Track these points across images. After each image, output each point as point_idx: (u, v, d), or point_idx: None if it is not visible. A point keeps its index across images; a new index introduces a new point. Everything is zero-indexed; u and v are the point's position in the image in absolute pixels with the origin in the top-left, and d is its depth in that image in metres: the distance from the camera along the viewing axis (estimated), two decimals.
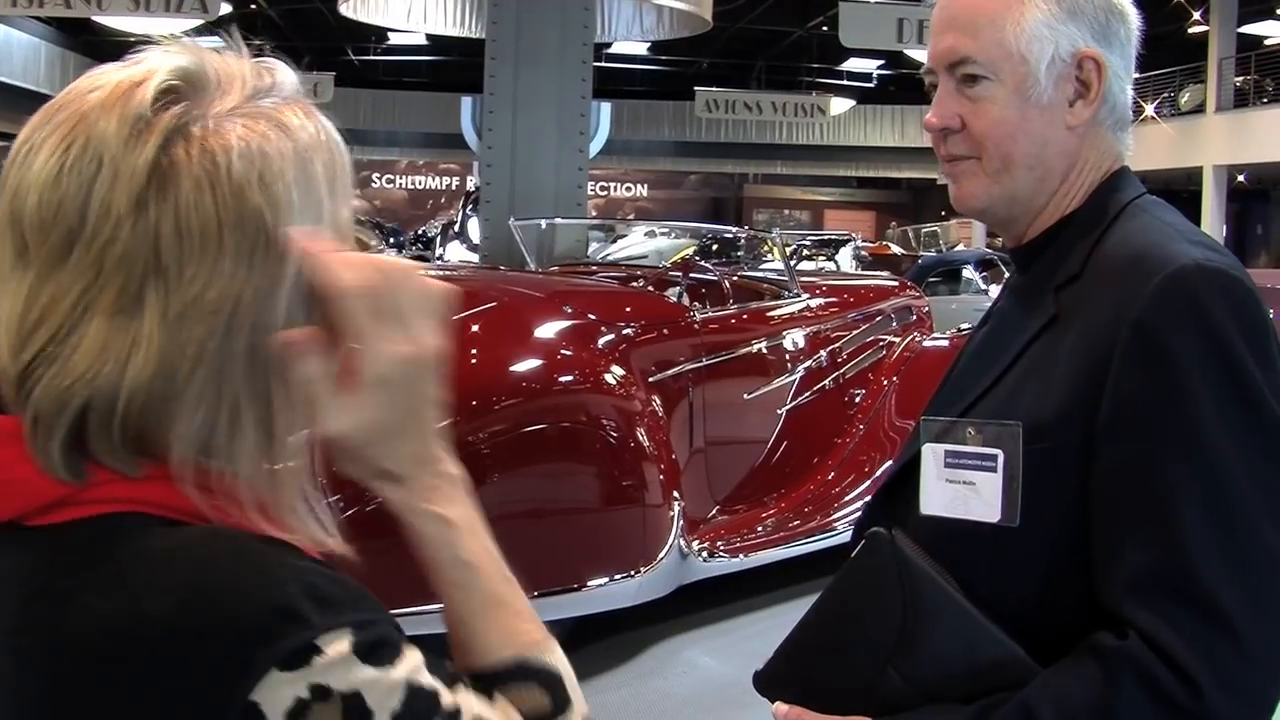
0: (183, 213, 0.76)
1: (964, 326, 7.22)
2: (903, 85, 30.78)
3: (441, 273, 7.45)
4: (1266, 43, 24.44)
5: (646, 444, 4.47)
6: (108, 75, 0.81)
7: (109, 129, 0.77)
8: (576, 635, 4.36)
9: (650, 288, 6.08)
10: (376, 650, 0.74)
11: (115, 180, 0.76)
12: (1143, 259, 1.20)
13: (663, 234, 15.23)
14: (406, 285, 0.83)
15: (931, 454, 1.26)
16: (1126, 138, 1.34)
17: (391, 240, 17.76)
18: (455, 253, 14.72)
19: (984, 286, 13.77)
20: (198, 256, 0.77)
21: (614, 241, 13.96)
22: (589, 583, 4.12)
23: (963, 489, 1.23)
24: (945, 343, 6.51)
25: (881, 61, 28.70)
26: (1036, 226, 1.33)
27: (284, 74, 0.86)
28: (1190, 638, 1.10)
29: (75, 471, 0.77)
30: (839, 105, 28.63)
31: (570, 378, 4.47)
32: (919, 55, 16.51)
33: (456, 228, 14.17)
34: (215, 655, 0.71)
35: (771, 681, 1.31)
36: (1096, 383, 1.17)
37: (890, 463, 5.72)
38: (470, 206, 14.39)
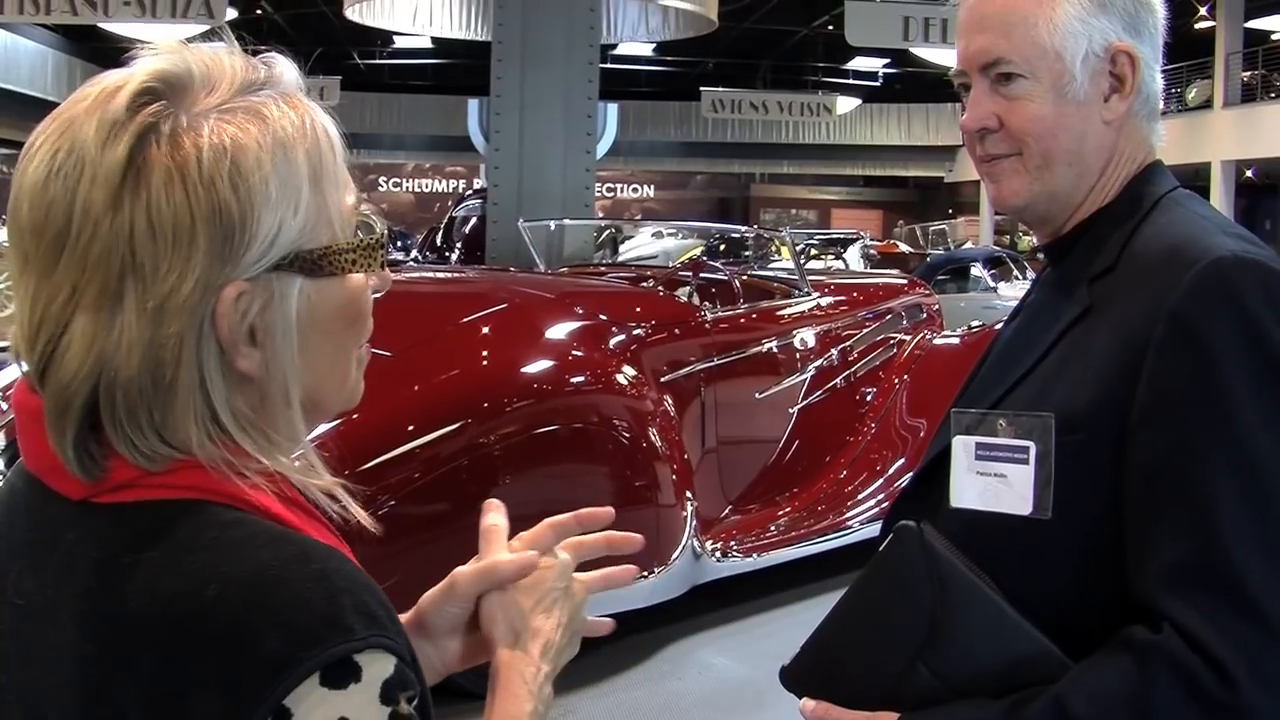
0: (154, 208, 0.79)
1: (975, 324, 7.20)
2: (909, 84, 30.71)
3: (451, 274, 7.45)
4: (1273, 38, 24.39)
5: (659, 444, 4.46)
6: (99, 82, 0.84)
7: (89, 133, 0.80)
8: (590, 636, 4.35)
9: (661, 288, 6.07)
10: (402, 688, 0.79)
11: (94, 181, 0.79)
12: (1179, 251, 1.19)
13: (670, 234, 15.23)
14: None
15: (962, 446, 1.25)
16: (1158, 128, 1.34)
17: (398, 244, 17.64)
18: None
19: (992, 284, 13.75)
20: (171, 251, 0.79)
21: (621, 243, 13.90)
22: None
23: (994, 481, 1.22)
24: (956, 341, 6.49)
25: (887, 60, 28.63)
26: (1072, 220, 1.33)
27: (282, 68, 0.88)
28: (1226, 631, 1.09)
29: (89, 469, 0.81)
30: (845, 104, 28.62)
31: (582, 378, 4.46)
32: (925, 53, 16.48)
33: (440, 235, 13.61)
34: (264, 650, 0.74)
35: (798, 677, 1.30)
36: (1131, 375, 1.16)
37: (903, 461, 5.72)
38: (459, 205, 13.86)
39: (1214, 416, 1.13)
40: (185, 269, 0.79)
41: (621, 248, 13.47)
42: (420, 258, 14.11)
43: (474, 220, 12.49)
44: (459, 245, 12.55)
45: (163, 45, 0.85)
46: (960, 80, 1.34)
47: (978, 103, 1.31)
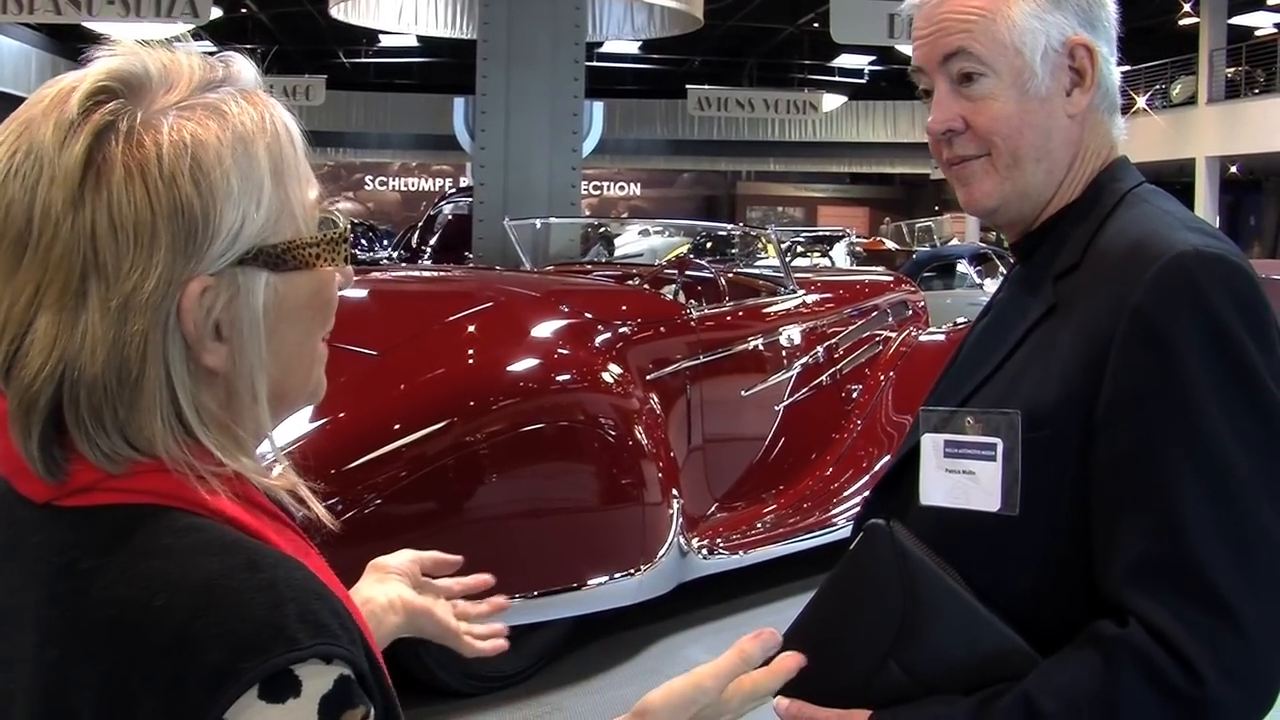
0: (115, 207, 0.79)
1: (960, 320, 7.22)
2: (894, 81, 30.73)
3: (437, 273, 7.44)
4: (1257, 34, 24.46)
5: (645, 442, 4.47)
6: (55, 84, 0.83)
7: (46, 133, 0.80)
8: (577, 634, 4.36)
9: (646, 286, 6.08)
10: (345, 702, 0.76)
11: (53, 181, 0.79)
12: (1141, 247, 1.20)
13: (656, 232, 15.24)
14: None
15: (931, 444, 1.26)
16: (1119, 120, 1.35)
17: (385, 243, 17.58)
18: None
19: (979, 281, 13.77)
20: (133, 249, 0.79)
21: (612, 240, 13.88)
22: (589, 582, 4.12)
23: (962, 479, 1.23)
24: (941, 337, 6.51)
25: (873, 57, 28.68)
26: (1041, 218, 1.34)
27: (240, 66, 0.88)
28: (1191, 625, 1.10)
29: (53, 470, 0.80)
30: (831, 101, 28.61)
31: (568, 376, 4.47)
32: (910, 50, 16.47)
33: (418, 234, 13.43)
34: (207, 661, 0.74)
35: None
36: (1096, 370, 1.17)
37: (888, 457, 5.73)
38: (441, 202, 13.66)
39: (1178, 413, 1.14)
40: (148, 266, 0.79)
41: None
42: (393, 255, 14.04)
43: (451, 218, 12.45)
44: (433, 243, 12.50)
45: (120, 46, 0.85)
46: (922, 83, 1.35)
47: (941, 104, 1.31)
